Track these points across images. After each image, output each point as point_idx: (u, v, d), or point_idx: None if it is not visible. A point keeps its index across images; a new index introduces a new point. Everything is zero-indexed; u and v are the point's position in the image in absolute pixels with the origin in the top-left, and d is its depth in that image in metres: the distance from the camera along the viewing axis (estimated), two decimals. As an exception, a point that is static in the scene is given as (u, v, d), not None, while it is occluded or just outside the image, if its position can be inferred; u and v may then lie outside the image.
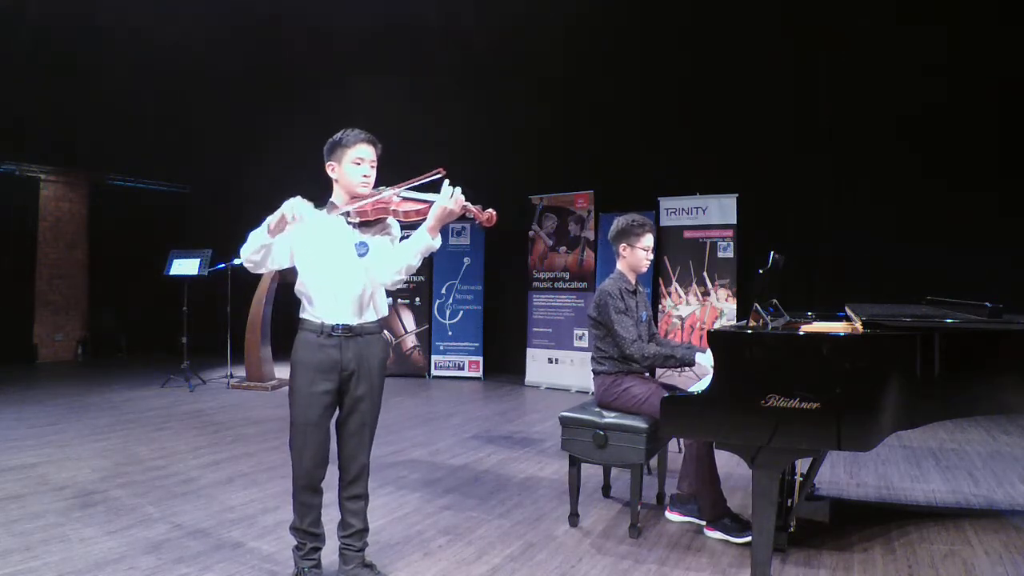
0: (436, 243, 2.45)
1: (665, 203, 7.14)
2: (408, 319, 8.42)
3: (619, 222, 3.54)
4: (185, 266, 7.44)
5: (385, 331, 8.24)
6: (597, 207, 7.55)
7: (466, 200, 2.41)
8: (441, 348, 8.35)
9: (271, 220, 2.37)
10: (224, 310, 7.64)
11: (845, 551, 3.03)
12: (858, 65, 6.61)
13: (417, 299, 8.41)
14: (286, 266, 2.57)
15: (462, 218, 2.47)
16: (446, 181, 2.42)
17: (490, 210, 2.45)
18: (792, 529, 3.12)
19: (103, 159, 9.68)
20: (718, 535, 3.18)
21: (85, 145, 9.28)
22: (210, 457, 4.60)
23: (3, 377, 7.83)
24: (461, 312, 8.32)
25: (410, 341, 8.38)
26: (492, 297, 8.41)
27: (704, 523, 3.26)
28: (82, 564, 2.86)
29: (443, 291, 8.36)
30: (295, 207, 2.34)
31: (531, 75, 8.09)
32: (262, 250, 2.43)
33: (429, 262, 8.38)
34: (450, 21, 8.35)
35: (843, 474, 4.26)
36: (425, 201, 2.46)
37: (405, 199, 2.50)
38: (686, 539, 3.21)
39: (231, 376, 7.58)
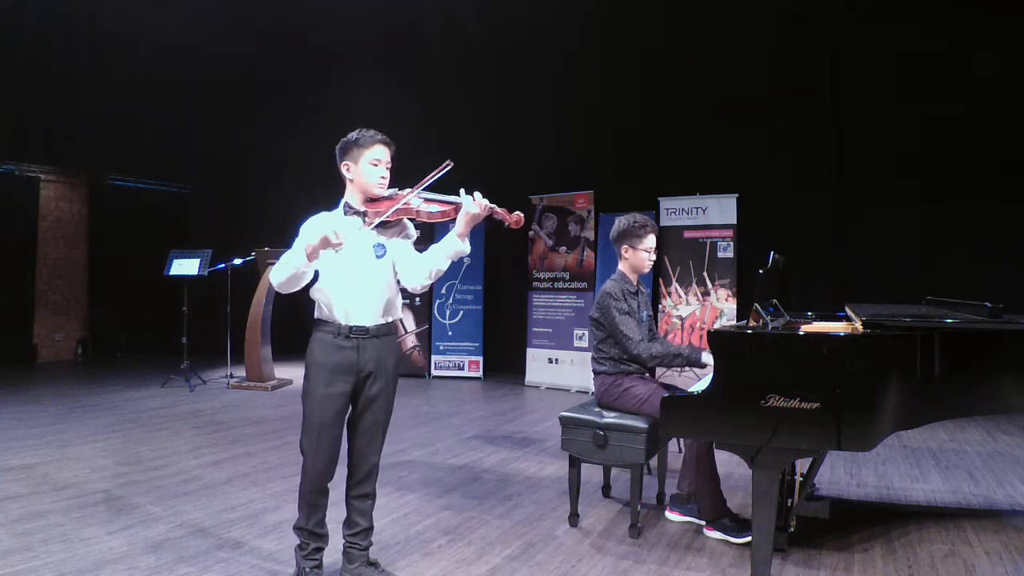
0: (467, 247, 2.47)
1: (665, 203, 7.14)
2: (408, 319, 8.41)
3: (620, 223, 3.52)
4: (185, 266, 7.44)
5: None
6: (597, 207, 7.55)
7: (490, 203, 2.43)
8: (441, 348, 8.35)
9: (310, 246, 2.33)
10: (224, 310, 7.63)
11: (845, 551, 3.03)
12: (859, 65, 6.61)
13: (417, 299, 8.39)
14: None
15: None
16: (463, 191, 2.44)
17: (517, 213, 2.48)
18: (792, 529, 3.12)
19: (103, 159, 9.68)
20: (718, 535, 3.18)
21: (85, 145, 9.28)
22: (210, 457, 4.60)
23: (3, 377, 7.83)
24: (461, 312, 8.32)
25: (410, 341, 8.38)
26: (492, 297, 8.40)
27: (704, 523, 3.26)
28: (82, 564, 2.86)
29: (443, 291, 8.35)
30: (336, 227, 2.29)
31: (531, 75, 8.09)
32: (297, 276, 2.41)
33: (429, 262, 8.37)
34: (450, 21, 8.36)
35: (843, 474, 4.26)
36: (449, 203, 2.48)
37: (428, 200, 2.52)
38: (686, 539, 3.21)
39: (231, 376, 7.58)
